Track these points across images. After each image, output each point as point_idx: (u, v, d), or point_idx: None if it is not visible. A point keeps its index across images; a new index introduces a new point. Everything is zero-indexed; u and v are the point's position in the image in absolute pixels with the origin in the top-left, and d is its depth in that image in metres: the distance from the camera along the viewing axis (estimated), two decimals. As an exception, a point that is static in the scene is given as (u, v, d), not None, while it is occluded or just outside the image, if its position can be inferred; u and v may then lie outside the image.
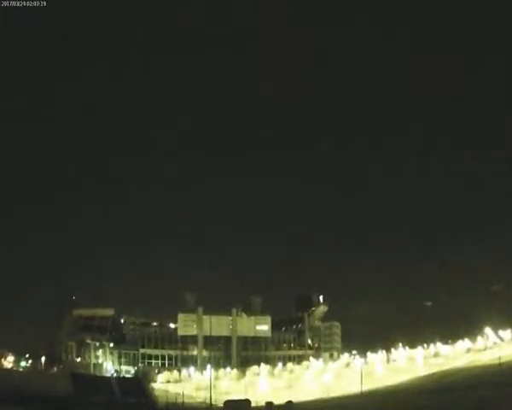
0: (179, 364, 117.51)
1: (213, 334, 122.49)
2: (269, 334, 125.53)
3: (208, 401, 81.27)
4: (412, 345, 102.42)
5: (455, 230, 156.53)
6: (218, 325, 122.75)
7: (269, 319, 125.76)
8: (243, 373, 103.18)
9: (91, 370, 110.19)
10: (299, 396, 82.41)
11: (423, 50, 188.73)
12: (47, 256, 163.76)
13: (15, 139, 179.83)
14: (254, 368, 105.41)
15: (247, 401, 78.80)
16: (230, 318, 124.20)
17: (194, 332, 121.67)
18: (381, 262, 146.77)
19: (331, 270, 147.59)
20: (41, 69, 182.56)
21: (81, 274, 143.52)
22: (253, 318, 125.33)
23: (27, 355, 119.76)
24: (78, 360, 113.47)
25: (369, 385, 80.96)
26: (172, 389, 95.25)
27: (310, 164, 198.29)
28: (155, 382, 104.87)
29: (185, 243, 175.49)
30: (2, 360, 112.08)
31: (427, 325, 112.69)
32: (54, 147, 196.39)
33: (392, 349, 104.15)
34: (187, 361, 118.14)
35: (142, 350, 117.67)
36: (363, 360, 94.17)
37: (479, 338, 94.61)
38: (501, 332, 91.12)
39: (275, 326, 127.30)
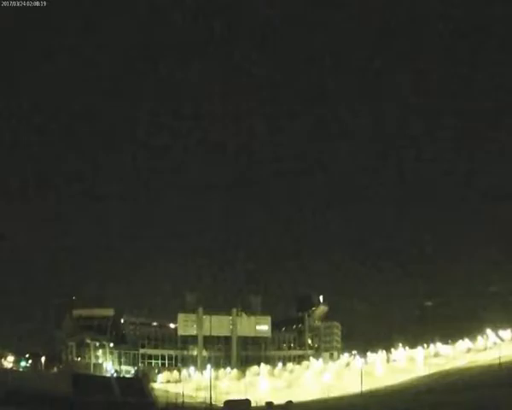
0: (179, 364, 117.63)
1: (213, 334, 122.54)
2: (269, 334, 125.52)
3: (208, 401, 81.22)
4: (412, 345, 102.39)
5: (455, 230, 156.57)
6: (218, 325, 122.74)
7: (269, 319, 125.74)
8: (243, 373, 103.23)
9: (91, 370, 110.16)
10: (299, 396, 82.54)
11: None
12: (47, 256, 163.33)
13: (17, 138, 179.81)
14: (254, 368, 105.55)
15: (247, 401, 78.91)
16: (230, 318, 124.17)
17: (194, 332, 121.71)
18: (382, 262, 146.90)
19: (331, 270, 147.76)
20: (41, 69, 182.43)
21: (81, 274, 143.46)
22: (253, 318, 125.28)
23: (27, 355, 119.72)
24: (78, 360, 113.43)
25: (369, 385, 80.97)
26: (172, 389, 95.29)
27: (310, 164, 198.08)
28: (155, 382, 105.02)
29: (185, 243, 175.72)
30: (2, 360, 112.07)
31: (427, 324, 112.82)
32: (58, 144, 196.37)
33: (392, 349, 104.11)
34: (187, 361, 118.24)
35: (142, 350, 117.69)
36: (363, 360, 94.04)
37: (479, 338, 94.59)
38: (501, 332, 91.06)
39: (275, 326, 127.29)
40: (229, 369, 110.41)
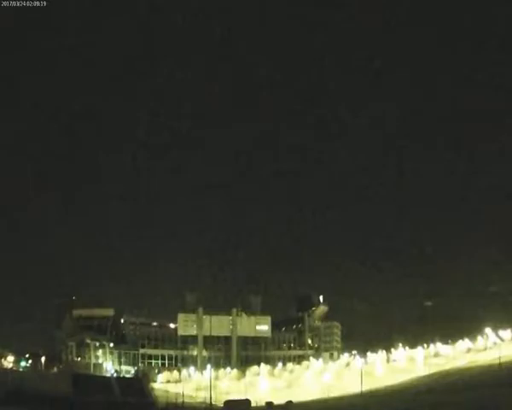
0: (179, 364, 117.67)
1: (213, 334, 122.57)
2: (269, 334, 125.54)
3: (208, 401, 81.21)
4: (412, 345, 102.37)
5: (455, 230, 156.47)
6: (218, 325, 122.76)
7: (269, 319, 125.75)
8: (243, 373, 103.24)
9: (91, 370, 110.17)
10: (299, 396, 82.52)
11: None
12: (47, 256, 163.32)
13: (20, 139, 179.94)
14: (254, 368, 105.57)
15: (247, 401, 78.89)
16: (230, 318, 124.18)
17: (194, 332, 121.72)
18: (382, 262, 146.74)
19: (331, 270, 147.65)
20: (41, 69, 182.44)
21: (81, 274, 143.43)
22: (253, 318, 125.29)
23: (27, 355, 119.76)
24: (78, 360, 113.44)
25: (369, 385, 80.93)
26: (172, 389, 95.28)
27: (309, 164, 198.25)
28: (155, 382, 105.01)
29: (185, 243, 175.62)
30: (2, 360, 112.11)
31: (427, 324, 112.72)
32: (58, 144, 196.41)
33: (392, 349, 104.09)
34: (187, 361, 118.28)
35: (142, 350, 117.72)
36: (363, 360, 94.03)
37: (479, 338, 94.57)
38: (501, 332, 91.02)
39: (275, 326, 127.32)
40: (229, 369, 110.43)
